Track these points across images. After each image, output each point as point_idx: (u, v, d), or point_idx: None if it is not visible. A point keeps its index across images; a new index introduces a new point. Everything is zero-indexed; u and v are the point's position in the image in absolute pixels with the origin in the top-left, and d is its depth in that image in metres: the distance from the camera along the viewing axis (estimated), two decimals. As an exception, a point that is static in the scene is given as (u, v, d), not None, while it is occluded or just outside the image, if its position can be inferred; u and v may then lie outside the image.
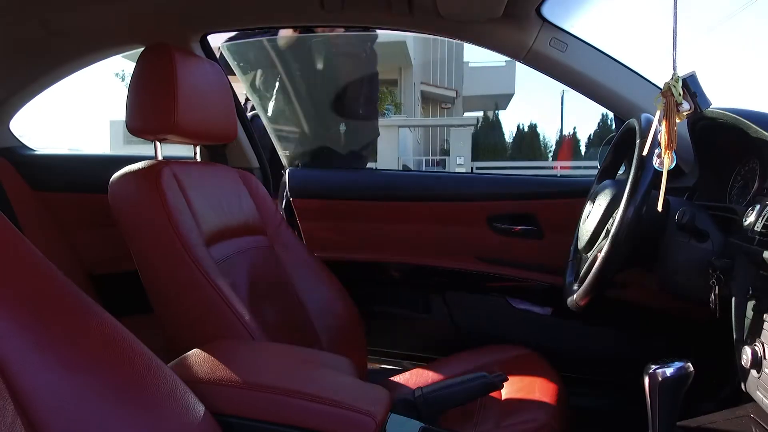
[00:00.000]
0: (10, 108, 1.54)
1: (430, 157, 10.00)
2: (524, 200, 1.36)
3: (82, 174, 1.58)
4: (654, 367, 0.66)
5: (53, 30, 1.23)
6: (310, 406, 0.62)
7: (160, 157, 1.10)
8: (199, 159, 1.25)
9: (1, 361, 0.51)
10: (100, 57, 1.39)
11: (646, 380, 0.66)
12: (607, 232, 0.90)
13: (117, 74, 13.91)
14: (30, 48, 1.31)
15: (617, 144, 1.09)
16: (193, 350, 0.74)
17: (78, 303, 0.60)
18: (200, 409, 0.62)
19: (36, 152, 1.61)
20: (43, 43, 1.29)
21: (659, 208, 0.68)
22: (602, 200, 0.95)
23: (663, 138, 0.62)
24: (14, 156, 1.54)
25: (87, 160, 1.69)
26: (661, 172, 0.70)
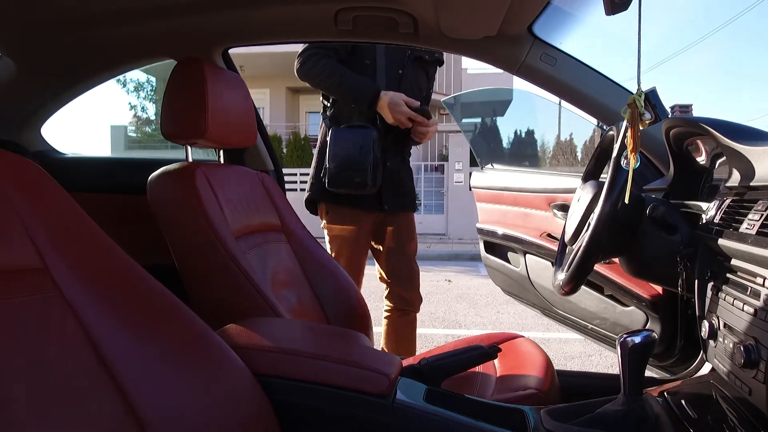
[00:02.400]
0: (43, 115, 1.66)
1: (429, 163, 10.12)
2: (565, 194, 1.74)
3: (109, 176, 1.70)
4: (625, 335, 0.78)
5: (91, 45, 1.35)
6: (336, 367, 0.74)
7: (190, 160, 1.23)
8: (222, 161, 1.38)
9: (84, 326, 0.63)
10: (130, 68, 1.52)
11: (618, 347, 0.79)
12: (588, 225, 1.02)
13: (119, 80, 14.03)
14: (66, 60, 1.44)
15: (600, 149, 1.21)
16: (230, 324, 0.86)
17: (140, 277, 0.71)
18: (245, 370, 0.73)
19: (66, 155, 1.73)
20: (80, 57, 1.42)
21: (626, 200, 0.80)
22: (585, 198, 1.08)
23: (629, 142, 0.75)
24: (46, 159, 1.66)
25: (112, 163, 1.81)
26: (633, 171, 0.83)
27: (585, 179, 1.22)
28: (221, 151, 1.37)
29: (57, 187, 0.71)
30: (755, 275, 0.71)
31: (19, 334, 0.57)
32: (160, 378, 0.65)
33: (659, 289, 1.40)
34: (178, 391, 0.66)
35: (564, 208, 1.76)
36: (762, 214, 0.73)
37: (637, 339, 0.78)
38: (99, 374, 0.61)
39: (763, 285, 0.69)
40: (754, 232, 0.73)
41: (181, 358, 0.69)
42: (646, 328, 1.38)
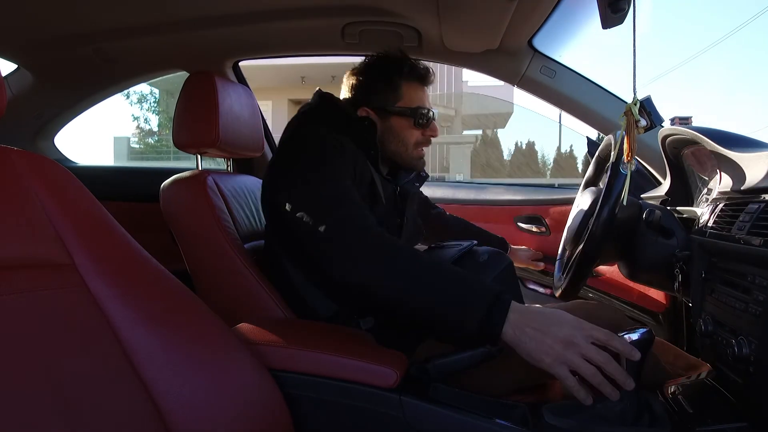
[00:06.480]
0: (57, 125, 1.71)
1: (430, 174, 10.17)
2: (537, 205, 1.68)
3: (119, 184, 1.74)
4: (623, 333, 0.82)
5: (105, 57, 1.40)
6: (345, 362, 0.77)
7: (200, 168, 1.27)
8: (231, 170, 1.42)
9: (108, 318, 0.66)
10: (143, 80, 1.57)
11: (617, 344, 0.82)
12: (587, 230, 1.06)
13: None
14: (82, 72, 1.49)
15: (599, 157, 1.25)
16: (242, 323, 0.89)
17: (160, 274, 0.74)
18: (258, 363, 0.76)
19: (78, 165, 1.78)
20: (95, 68, 1.47)
21: (624, 202, 0.84)
22: (584, 204, 1.12)
23: (625, 148, 0.79)
24: None
25: (123, 172, 1.86)
26: (631, 176, 0.87)
27: (584, 187, 1.25)
28: (230, 161, 1.42)
29: (81, 186, 0.74)
30: (745, 273, 0.75)
31: (48, 324, 0.61)
32: (177, 368, 0.68)
33: (661, 297, 1.43)
34: (195, 380, 0.69)
35: (530, 220, 1.71)
36: (751, 216, 0.77)
37: (635, 336, 0.81)
38: (120, 363, 0.65)
39: (752, 282, 0.72)
40: (744, 233, 0.76)
41: (198, 350, 0.72)
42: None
